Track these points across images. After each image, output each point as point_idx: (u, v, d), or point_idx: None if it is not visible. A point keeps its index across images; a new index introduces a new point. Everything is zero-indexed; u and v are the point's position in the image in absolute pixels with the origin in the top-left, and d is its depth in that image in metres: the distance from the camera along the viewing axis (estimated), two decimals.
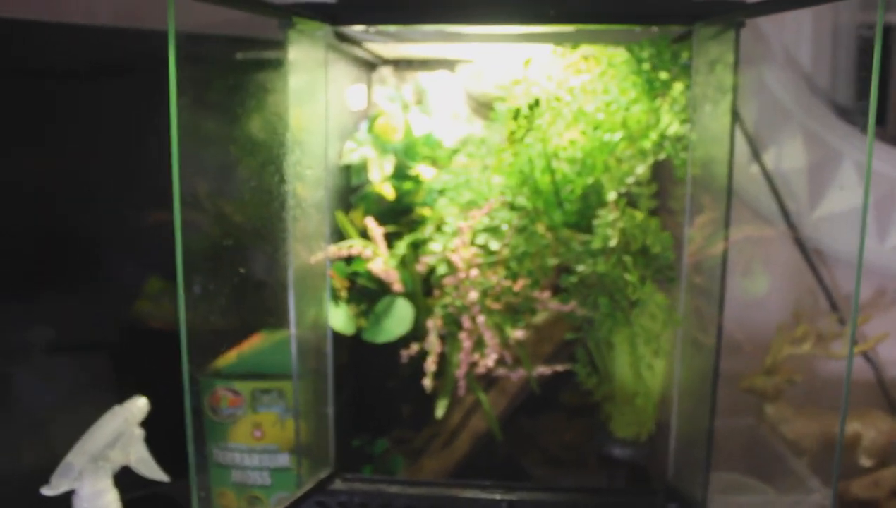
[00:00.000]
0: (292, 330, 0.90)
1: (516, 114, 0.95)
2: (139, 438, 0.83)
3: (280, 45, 0.87)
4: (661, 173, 0.99)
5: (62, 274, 1.07)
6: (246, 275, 0.91)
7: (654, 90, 0.96)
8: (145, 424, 0.84)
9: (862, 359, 1.23)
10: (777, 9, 0.83)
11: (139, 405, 0.84)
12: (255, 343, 0.98)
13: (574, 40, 0.98)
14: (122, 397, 0.84)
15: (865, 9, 1.24)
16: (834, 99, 1.22)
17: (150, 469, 0.84)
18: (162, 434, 0.82)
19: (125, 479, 0.82)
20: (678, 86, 0.94)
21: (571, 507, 0.93)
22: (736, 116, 0.88)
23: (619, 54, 0.97)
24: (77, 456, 0.78)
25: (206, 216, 0.97)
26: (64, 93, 1.03)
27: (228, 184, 0.98)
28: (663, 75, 0.95)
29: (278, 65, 0.87)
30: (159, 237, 0.80)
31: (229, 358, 0.97)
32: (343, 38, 0.95)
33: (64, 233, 1.08)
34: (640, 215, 0.95)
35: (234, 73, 0.92)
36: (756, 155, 1.18)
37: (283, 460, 0.98)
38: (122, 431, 0.82)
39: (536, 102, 0.95)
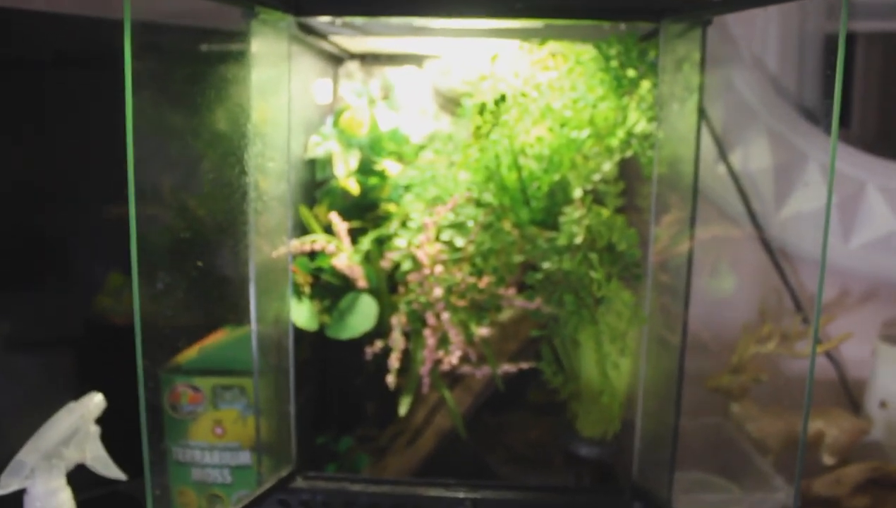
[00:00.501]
0: (254, 325, 0.89)
1: (482, 109, 0.94)
2: (95, 435, 0.81)
3: (243, 36, 0.85)
4: (628, 171, 0.99)
5: (21, 269, 1.04)
6: (207, 270, 0.90)
7: (621, 88, 0.96)
8: (107, 421, 0.82)
9: (825, 359, 1.24)
10: (743, 6, 0.83)
11: (95, 401, 0.82)
12: (217, 338, 0.96)
13: (542, 36, 0.97)
14: (82, 394, 0.82)
15: (830, 17, 1.25)
16: (800, 100, 1.23)
17: (107, 467, 0.82)
18: (122, 431, 0.80)
19: (83, 478, 0.81)
20: (645, 84, 0.94)
21: (536, 506, 0.92)
22: (703, 115, 0.88)
23: (587, 51, 0.97)
24: (29, 454, 0.76)
25: (166, 210, 0.95)
26: (24, 83, 1.01)
27: (189, 177, 0.96)
28: (631, 73, 0.95)
29: (241, 56, 0.86)
30: (120, 232, 0.78)
31: (190, 353, 0.95)
32: (308, 29, 0.94)
33: (24, 227, 1.06)
34: (606, 212, 0.94)
35: (195, 65, 0.91)
36: (722, 154, 1.19)
37: (245, 458, 0.96)
38: (77, 428, 0.80)
39: (503, 98, 0.94)
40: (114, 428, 0.83)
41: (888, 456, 1.15)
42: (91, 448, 0.81)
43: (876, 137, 1.28)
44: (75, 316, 1.10)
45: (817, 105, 1.23)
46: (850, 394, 1.24)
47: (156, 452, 0.75)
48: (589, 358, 1.00)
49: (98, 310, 1.10)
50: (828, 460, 1.11)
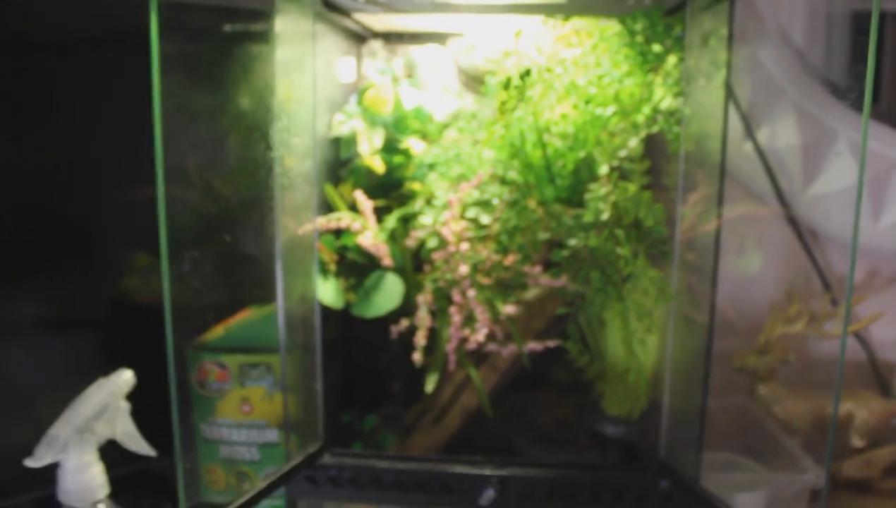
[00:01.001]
0: (280, 303, 0.89)
1: (507, 84, 0.94)
2: (125, 411, 0.82)
3: (267, 14, 0.85)
4: (654, 149, 0.98)
5: (49, 251, 1.06)
6: (233, 248, 0.90)
7: (646, 63, 0.95)
8: (134, 399, 0.83)
9: (854, 340, 1.23)
10: None
11: (125, 378, 0.82)
12: (243, 316, 0.97)
13: (565, 12, 0.97)
14: (110, 373, 0.83)
15: None
16: (828, 77, 1.21)
17: (136, 442, 0.83)
18: (150, 409, 0.81)
19: (113, 455, 0.81)
20: (671, 60, 0.93)
21: (562, 484, 0.92)
22: (729, 92, 0.87)
23: (611, 27, 0.96)
24: (62, 428, 0.77)
25: (193, 190, 0.96)
26: (46, 65, 1.01)
27: (215, 156, 0.97)
28: (656, 48, 0.94)
29: (266, 35, 0.86)
30: (147, 212, 0.79)
31: (217, 331, 0.96)
32: (332, 7, 0.94)
33: (50, 209, 1.07)
34: (632, 188, 0.94)
35: (221, 44, 0.91)
36: (749, 132, 1.17)
37: (272, 435, 0.97)
38: (107, 403, 0.81)
39: (528, 72, 0.94)
40: (142, 406, 0.83)
41: None
42: (121, 424, 0.82)
43: None
44: (102, 296, 1.11)
45: (846, 82, 1.21)
46: (879, 376, 1.23)
47: (184, 429, 0.76)
48: (615, 336, 0.99)
49: (124, 291, 1.11)
50: (857, 442, 1.10)
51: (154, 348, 0.74)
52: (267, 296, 0.91)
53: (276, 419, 0.96)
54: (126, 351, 1.07)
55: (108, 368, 0.84)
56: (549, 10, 0.97)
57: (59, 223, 1.08)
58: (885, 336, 1.23)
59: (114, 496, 0.80)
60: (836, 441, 1.11)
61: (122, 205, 1.09)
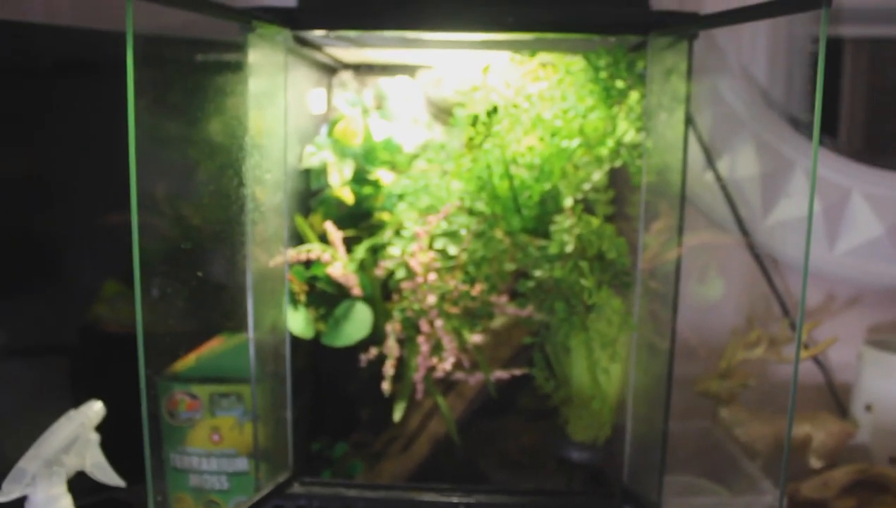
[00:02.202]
0: (251, 333, 0.90)
1: (475, 121, 0.96)
2: (95, 443, 0.82)
3: (240, 48, 0.87)
4: (618, 180, 1.00)
5: (17, 277, 1.05)
6: (204, 278, 0.91)
7: (610, 98, 0.97)
8: (101, 429, 0.83)
9: (812, 363, 1.26)
10: (727, 22, 0.85)
11: (95, 409, 0.83)
12: (214, 346, 0.97)
13: (532, 48, 0.99)
14: (78, 402, 0.83)
15: (816, 22, 1.27)
16: (787, 110, 1.25)
17: (106, 474, 0.83)
18: (119, 438, 0.81)
19: (80, 485, 0.82)
20: (634, 95, 0.96)
21: None
22: (690, 125, 0.90)
23: (577, 62, 0.99)
24: (30, 461, 0.77)
25: (165, 218, 0.97)
26: (21, 92, 1.01)
27: (187, 186, 0.98)
28: (620, 84, 0.96)
29: (238, 68, 0.87)
30: (116, 240, 0.79)
31: (187, 361, 0.96)
32: (303, 42, 0.95)
33: (20, 235, 1.07)
34: (596, 221, 0.96)
35: (194, 76, 0.92)
36: (710, 163, 1.20)
37: (242, 464, 0.97)
38: (77, 435, 0.81)
39: (495, 109, 0.96)
40: (111, 436, 0.84)
41: (874, 459, 1.17)
42: (91, 456, 0.82)
43: (863, 144, 1.30)
44: (71, 324, 1.10)
45: (804, 113, 1.25)
46: (836, 398, 1.26)
47: (154, 459, 0.76)
48: (580, 364, 1.01)
49: (93, 319, 1.11)
50: (815, 463, 1.13)
51: (123, 377, 0.74)
52: (238, 326, 0.91)
53: (246, 448, 0.97)
54: (95, 380, 1.07)
55: (76, 397, 0.85)
56: (516, 46, 0.99)
57: (26, 249, 1.08)
58: (842, 359, 1.26)
59: None
60: (794, 463, 1.14)
61: (91, 232, 1.09)
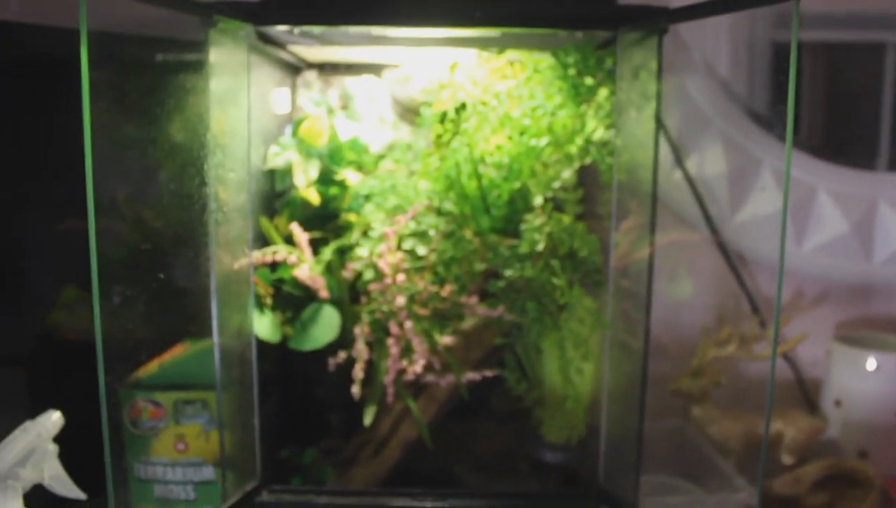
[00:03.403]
0: (215, 338, 0.88)
1: (443, 118, 0.94)
2: (53, 454, 0.79)
3: (201, 46, 0.84)
4: (588, 179, 1.00)
5: None
6: (167, 282, 0.88)
7: (579, 96, 0.97)
8: (61, 440, 0.80)
9: (782, 360, 1.27)
10: (697, 15, 0.84)
11: (53, 419, 0.80)
12: (178, 352, 0.95)
13: (500, 45, 0.98)
14: (35, 412, 0.80)
15: (779, 26, 1.28)
16: (751, 107, 1.26)
17: (66, 486, 0.80)
18: (79, 449, 0.78)
19: (38, 499, 0.79)
20: (603, 92, 0.95)
21: None
22: (660, 123, 0.90)
23: (545, 60, 0.98)
24: None
25: (124, 222, 0.94)
26: None
27: (147, 189, 0.95)
28: (588, 81, 0.96)
29: (199, 66, 0.85)
30: (75, 245, 0.77)
31: (150, 368, 0.94)
32: (266, 39, 0.93)
33: None
34: (567, 219, 0.95)
35: (153, 74, 0.90)
36: (679, 161, 1.20)
37: (208, 473, 0.95)
38: (34, 447, 0.78)
39: (463, 106, 0.94)
40: (70, 447, 0.81)
41: (844, 453, 1.17)
42: (49, 468, 0.79)
43: (823, 143, 1.31)
44: (28, 332, 1.07)
45: (769, 111, 1.26)
46: (806, 394, 1.27)
47: (116, 470, 0.74)
48: (552, 364, 1.00)
49: (52, 326, 1.08)
50: (787, 459, 1.13)
51: (83, 386, 0.72)
52: (202, 331, 0.89)
53: (212, 456, 0.94)
54: (53, 390, 1.04)
55: (33, 407, 0.81)
56: (484, 43, 0.98)
57: None
58: (811, 355, 1.27)
59: None
60: (767, 460, 1.14)
61: (48, 237, 1.06)
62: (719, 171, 1.23)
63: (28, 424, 0.78)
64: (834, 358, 1.22)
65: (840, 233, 1.24)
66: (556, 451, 1.02)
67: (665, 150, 1.19)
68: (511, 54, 0.99)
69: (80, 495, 0.80)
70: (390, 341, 0.94)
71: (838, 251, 1.25)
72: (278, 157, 1.00)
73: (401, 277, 0.95)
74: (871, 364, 1.17)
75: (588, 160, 0.95)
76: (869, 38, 1.30)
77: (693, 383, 1.14)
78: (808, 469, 1.10)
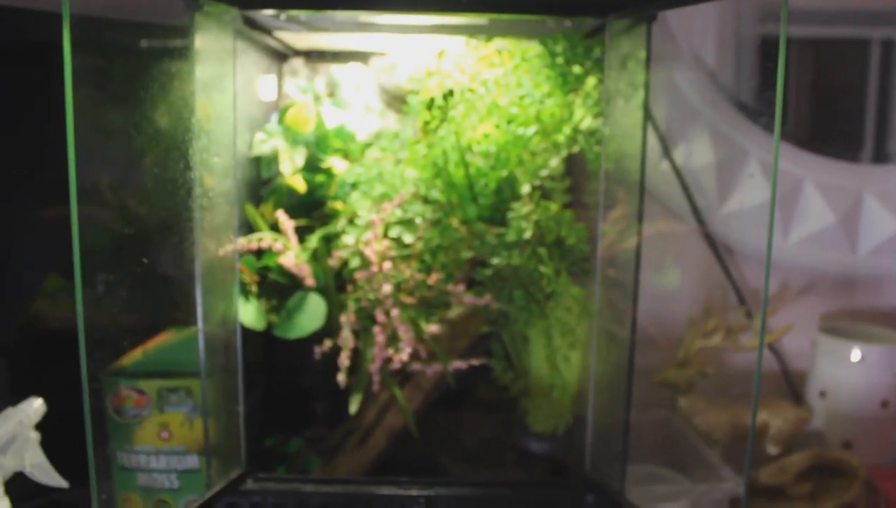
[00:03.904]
0: (200, 325, 0.87)
1: (430, 104, 0.94)
2: (34, 442, 0.78)
3: (186, 31, 0.83)
4: (575, 168, 1.00)
5: None
6: (151, 269, 0.87)
7: (567, 84, 0.96)
8: (43, 429, 0.79)
9: (768, 351, 1.27)
10: (686, 2, 0.84)
11: (34, 406, 0.79)
12: (162, 340, 0.94)
13: (487, 33, 0.98)
14: (17, 401, 0.79)
15: (764, 19, 1.28)
16: (738, 98, 1.26)
17: (48, 474, 0.79)
18: (61, 438, 0.77)
19: (20, 488, 0.78)
20: (591, 81, 0.95)
21: (490, 502, 0.92)
22: (647, 112, 0.90)
23: (533, 48, 0.97)
24: None
25: (108, 209, 0.93)
26: None
27: (131, 176, 0.94)
28: (576, 69, 0.96)
29: (185, 51, 0.84)
30: (57, 233, 0.76)
31: (134, 356, 0.93)
32: (253, 24, 0.93)
33: None
34: (554, 207, 0.95)
35: (137, 60, 0.89)
36: (666, 151, 1.20)
37: (192, 461, 0.94)
38: (15, 434, 0.77)
39: (451, 92, 0.94)
40: (52, 436, 0.80)
41: (828, 444, 1.18)
42: (30, 456, 0.78)
43: (810, 135, 1.31)
44: (10, 321, 1.06)
45: (755, 102, 1.26)
46: (791, 385, 1.27)
47: (100, 458, 0.73)
48: (538, 354, 1.00)
49: (34, 315, 1.07)
50: (772, 450, 1.13)
51: (65, 374, 0.71)
52: (186, 319, 0.88)
53: (196, 445, 0.93)
54: (35, 378, 1.03)
55: (15, 397, 0.81)
56: (472, 31, 0.98)
57: None
58: (796, 346, 1.27)
59: None
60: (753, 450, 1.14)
61: (29, 225, 1.05)
62: (706, 162, 1.23)
63: (9, 411, 0.77)
64: (819, 349, 1.22)
65: (826, 224, 1.24)
66: (542, 440, 1.02)
67: (652, 141, 1.19)
68: (499, 42, 0.99)
69: (62, 483, 0.79)
70: (376, 329, 0.94)
71: (824, 243, 1.25)
72: (264, 144, 1.00)
73: (387, 265, 0.94)
74: (855, 355, 1.18)
75: (576, 149, 0.95)
76: (854, 34, 1.31)
77: (679, 374, 1.14)
78: (794, 459, 1.11)
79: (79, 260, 0.66)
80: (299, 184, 1.00)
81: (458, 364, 0.97)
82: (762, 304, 0.76)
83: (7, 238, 1.06)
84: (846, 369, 1.19)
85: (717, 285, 1.24)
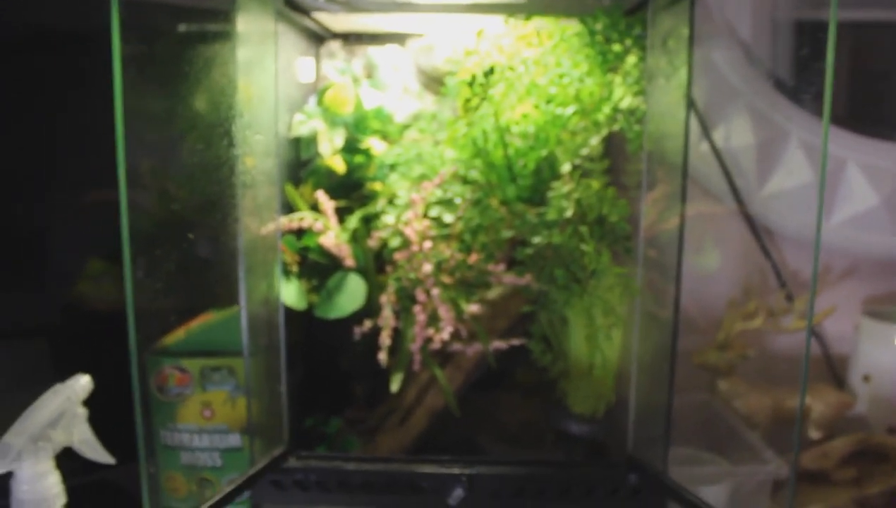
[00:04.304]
0: (242, 304, 0.88)
1: (472, 82, 0.94)
2: (82, 418, 0.79)
3: (229, 14, 0.84)
4: (614, 149, 0.99)
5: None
6: (195, 250, 0.88)
7: (606, 63, 0.95)
8: (90, 408, 0.80)
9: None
10: None
11: (82, 383, 0.80)
12: (204, 319, 0.94)
13: (526, 11, 0.97)
14: (64, 380, 0.80)
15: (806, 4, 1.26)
16: (780, 78, 1.24)
17: (95, 450, 0.80)
18: (106, 417, 0.78)
19: (70, 465, 0.79)
20: (631, 59, 0.94)
21: (531, 481, 0.92)
22: (690, 90, 0.88)
23: (572, 27, 0.97)
24: (16, 436, 0.74)
25: (153, 192, 0.94)
26: None
27: (176, 158, 0.95)
28: (616, 48, 0.95)
29: (227, 34, 0.84)
30: (100, 216, 0.77)
31: (177, 335, 0.93)
32: (293, 5, 0.93)
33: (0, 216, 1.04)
34: (596, 184, 0.94)
35: (182, 43, 0.89)
36: (705, 131, 1.19)
37: (235, 440, 0.94)
38: (64, 410, 0.78)
39: (492, 69, 0.94)
40: (99, 414, 0.81)
41: (872, 429, 1.16)
42: (78, 431, 0.79)
43: (852, 115, 1.29)
44: (55, 303, 1.08)
45: (796, 82, 1.24)
46: (834, 369, 1.25)
47: (144, 436, 0.74)
48: (578, 334, 0.99)
49: (77, 297, 1.08)
50: (814, 434, 1.12)
51: (110, 354, 0.71)
52: (229, 298, 0.89)
53: (238, 423, 0.94)
54: (80, 358, 1.04)
55: (62, 376, 0.82)
56: (510, 10, 0.97)
57: (9, 230, 1.05)
58: (838, 330, 1.25)
59: (70, 506, 0.77)
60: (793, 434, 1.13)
61: (74, 210, 1.06)
62: (746, 143, 1.21)
63: (58, 386, 0.78)
64: (863, 332, 1.20)
65: (870, 206, 1.22)
66: (582, 422, 1.01)
67: (692, 121, 1.18)
68: (538, 21, 0.98)
69: (109, 459, 0.80)
70: (417, 308, 0.94)
71: (867, 224, 1.23)
72: (303, 126, 1.00)
73: (427, 244, 0.94)
74: None
75: (616, 128, 0.94)
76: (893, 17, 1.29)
77: (719, 356, 1.13)
78: (837, 444, 1.09)
79: (127, 243, 0.66)
80: (338, 165, 1.00)
81: (499, 344, 0.96)
82: (811, 285, 0.75)
83: (50, 222, 1.07)
84: (891, 353, 1.17)
85: (757, 267, 1.23)
